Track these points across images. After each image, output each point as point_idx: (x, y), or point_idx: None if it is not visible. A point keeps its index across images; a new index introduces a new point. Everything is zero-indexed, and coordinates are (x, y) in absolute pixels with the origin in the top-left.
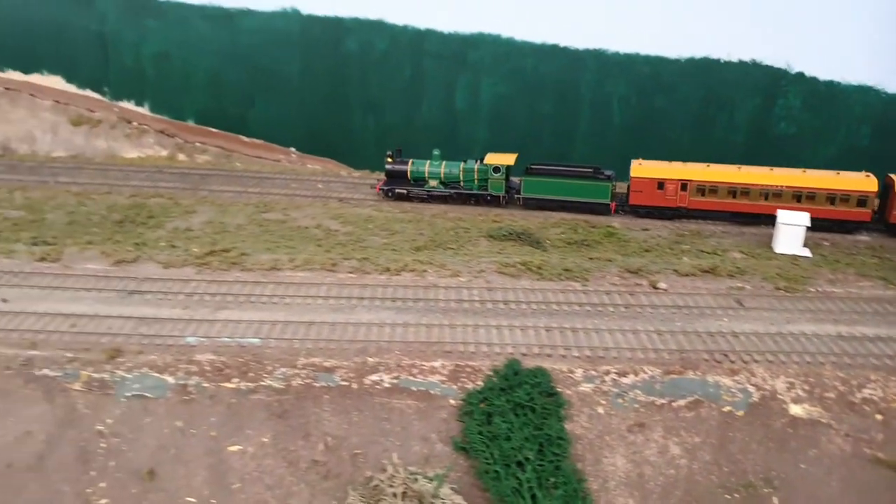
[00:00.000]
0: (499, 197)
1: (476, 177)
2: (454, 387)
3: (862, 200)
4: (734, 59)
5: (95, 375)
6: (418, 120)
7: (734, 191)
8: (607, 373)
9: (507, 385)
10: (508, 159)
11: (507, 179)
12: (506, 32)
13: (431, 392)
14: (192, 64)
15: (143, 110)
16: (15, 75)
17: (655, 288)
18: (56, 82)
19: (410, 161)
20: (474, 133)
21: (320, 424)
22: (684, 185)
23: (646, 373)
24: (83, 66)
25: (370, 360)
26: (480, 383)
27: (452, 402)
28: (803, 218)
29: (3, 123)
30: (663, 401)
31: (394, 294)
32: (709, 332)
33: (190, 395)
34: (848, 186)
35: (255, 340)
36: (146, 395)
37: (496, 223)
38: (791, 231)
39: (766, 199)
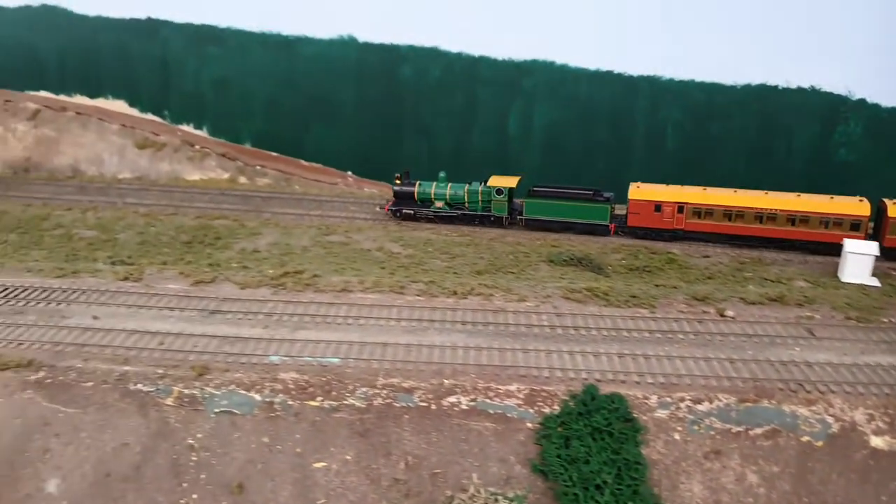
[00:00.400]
0: (503, 217)
1: (480, 198)
2: (531, 410)
3: (855, 224)
4: (792, 85)
5: (186, 391)
6: (470, 145)
7: (730, 214)
8: (682, 399)
9: (585, 410)
10: (511, 182)
11: (509, 201)
12: (560, 59)
13: (508, 415)
14: (250, 89)
15: (203, 133)
16: (82, 100)
17: (723, 316)
18: (120, 106)
19: (417, 183)
20: (526, 158)
21: (401, 443)
22: (681, 207)
23: (720, 400)
24: (145, 91)
25: (446, 381)
26: (557, 408)
27: (529, 425)
28: (871, 247)
29: (74, 146)
30: (739, 429)
31: (463, 317)
32: (781, 362)
33: (276, 412)
34: (841, 211)
35: (335, 360)
36: (234, 411)
37: (555, 248)
38: (859, 260)
39: (762, 222)
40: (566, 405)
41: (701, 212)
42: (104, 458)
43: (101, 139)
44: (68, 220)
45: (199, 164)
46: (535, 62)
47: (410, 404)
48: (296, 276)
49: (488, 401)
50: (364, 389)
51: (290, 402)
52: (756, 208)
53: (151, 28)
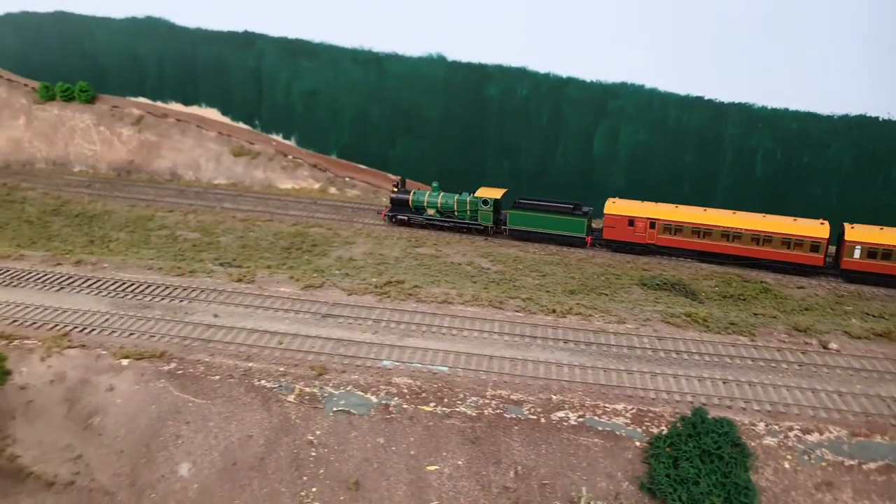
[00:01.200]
0: (488, 227)
1: (468, 208)
2: (638, 429)
3: (815, 246)
4: (894, 117)
5: (306, 390)
6: (553, 165)
7: (698, 231)
8: (790, 429)
9: (695, 432)
10: (496, 193)
11: (495, 212)
12: (649, 83)
13: (617, 433)
14: (339, 102)
15: (291, 143)
16: (178, 107)
17: (826, 348)
18: (213, 114)
19: (412, 192)
20: (610, 179)
21: (510, 453)
22: (653, 223)
23: (830, 432)
24: (238, 100)
25: (554, 397)
26: (664, 428)
27: (637, 443)
28: None
29: (174, 151)
30: (852, 462)
31: (564, 336)
32: (893, 398)
33: (391, 414)
34: (802, 232)
35: (444, 368)
36: (351, 411)
37: (647, 271)
38: None
39: (728, 240)
40: (674, 426)
41: (671, 228)
42: (231, 448)
43: (199, 145)
44: (171, 222)
45: (292, 174)
46: (623, 85)
47: (520, 416)
48: (398, 286)
49: (596, 418)
50: (474, 399)
51: (405, 406)
52: (722, 227)
53: (248, 41)
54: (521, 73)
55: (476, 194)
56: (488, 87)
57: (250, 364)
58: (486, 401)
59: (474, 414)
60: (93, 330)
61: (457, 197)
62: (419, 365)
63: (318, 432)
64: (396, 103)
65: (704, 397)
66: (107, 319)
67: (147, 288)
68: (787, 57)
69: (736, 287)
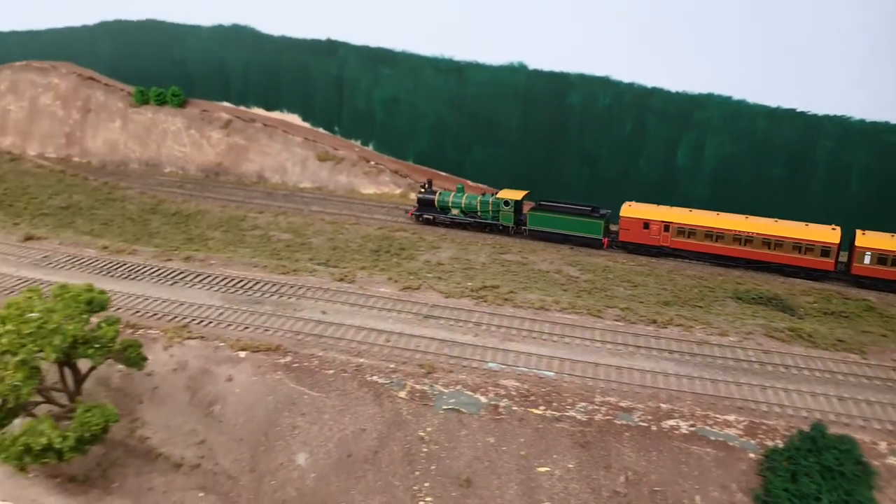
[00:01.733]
0: (508, 227)
1: (490, 208)
2: (752, 441)
3: (825, 251)
4: None
5: (417, 387)
6: (635, 174)
7: (711, 234)
8: None
9: (815, 447)
10: (518, 195)
11: (516, 212)
12: (738, 94)
13: (729, 443)
14: (418, 110)
15: (369, 149)
16: (260, 112)
17: None
18: (294, 119)
19: (438, 192)
20: (694, 190)
21: (621, 458)
22: (667, 226)
23: None
24: (319, 106)
25: (663, 405)
26: (780, 442)
27: (752, 455)
28: None
29: (261, 155)
30: None
31: (668, 346)
32: None
33: (500, 415)
34: (812, 237)
35: (550, 373)
36: (461, 409)
37: (740, 285)
38: None
39: (740, 243)
40: (792, 441)
41: (685, 231)
42: (345, 440)
43: (286, 150)
44: (263, 223)
45: (375, 179)
46: (710, 96)
47: (630, 423)
48: (493, 291)
49: (708, 428)
50: (583, 404)
51: (515, 408)
52: (734, 231)
53: (331, 49)
54: (604, 83)
55: (498, 195)
56: (570, 96)
57: (361, 360)
58: (596, 406)
59: (584, 419)
60: (209, 322)
61: (479, 198)
62: (525, 369)
63: (428, 429)
64: (475, 111)
65: (819, 413)
66: (221, 313)
67: (255, 284)
68: (887, 68)
69: (836, 304)
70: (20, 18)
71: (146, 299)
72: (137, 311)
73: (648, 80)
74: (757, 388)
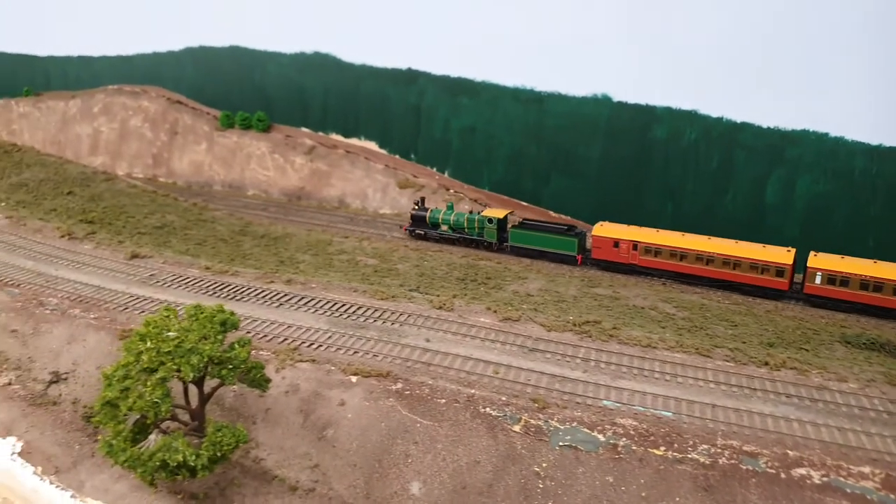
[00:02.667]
0: (492, 243)
1: (476, 226)
2: (892, 496)
3: (780, 271)
4: None
5: (532, 422)
6: (720, 210)
7: (675, 254)
8: None
9: None
10: (500, 213)
11: (499, 229)
12: (835, 131)
13: (868, 497)
14: (496, 139)
15: (444, 176)
16: (337, 138)
17: None
18: (371, 146)
19: (430, 209)
20: (783, 228)
21: None
22: (635, 245)
23: None
24: (396, 134)
25: (790, 452)
26: None
27: None
28: None
29: (343, 181)
30: None
31: (784, 389)
32: None
33: (619, 454)
34: (768, 258)
35: (668, 413)
36: (578, 447)
37: (846, 329)
38: None
39: (704, 263)
40: None
41: (652, 250)
42: (459, 471)
43: (367, 176)
44: (349, 247)
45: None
46: (804, 132)
47: (756, 468)
48: (595, 326)
49: (842, 479)
50: (705, 446)
51: (634, 448)
52: (697, 250)
53: (410, 78)
54: (692, 117)
55: (482, 214)
56: (655, 129)
57: (472, 391)
58: (718, 450)
59: (707, 462)
60: (318, 346)
61: (466, 216)
62: (641, 408)
63: (544, 464)
64: (555, 141)
65: None
66: (329, 336)
67: (358, 309)
68: None
69: None
70: (111, 44)
71: (254, 321)
72: (248, 333)
73: (738, 114)
74: (889, 439)
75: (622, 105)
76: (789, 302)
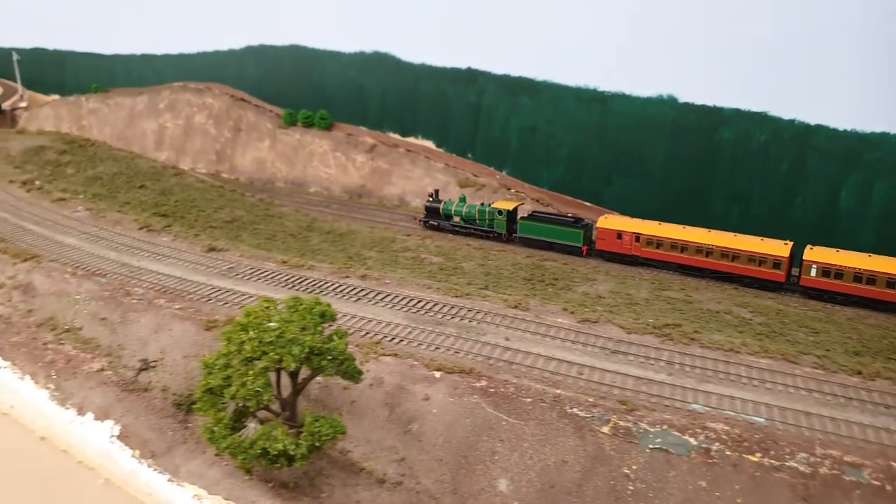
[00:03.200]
0: (502, 234)
1: (487, 217)
2: None
3: (777, 263)
4: None
5: (620, 423)
6: (790, 215)
7: (676, 245)
8: None
9: None
10: (510, 206)
11: (508, 221)
12: None
13: None
14: (556, 139)
15: (507, 176)
16: (395, 136)
17: None
18: (428, 145)
19: (443, 201)
20: (858, 234)
21: None
22: (637, 237)
23: None
24: (454, 133)
25: (895, 465)
26: None
27: None
28: None
29: (403, 179)
30: None
31: (882, 400)
32: None
33: (712, 459)
34: (766, 250)
35: (761, 419)
36: (669, 450)
37: None
38: None
39: (704, 255)
40: None
41: (654, 242)
42: (547, 470)
43: (428, 175)
44: (412, 245)
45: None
46: (884, 135)
47: (860, 480)
48: (676, 329)
49: None
50: (803, 455)
51: (728, 453)
52: (697, 243)
53: (470, 77)
54: (761, 118)
55: (493, 206)
56: (722, 131)
57: (558, 391)
58: (818, 459)
59: (807, 471)
60: (400, 340)
61: (478, 207)
62: (732, 413)
63: (633, 467)
64: (617, 142)
65: None
66: (409, 332)
67: (434, 306)
68: None
69: None
70: (173, 43)
71: (336, 314)
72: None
73: (812, 116)
74: None
75: (688, 106)
76: (788, 294)
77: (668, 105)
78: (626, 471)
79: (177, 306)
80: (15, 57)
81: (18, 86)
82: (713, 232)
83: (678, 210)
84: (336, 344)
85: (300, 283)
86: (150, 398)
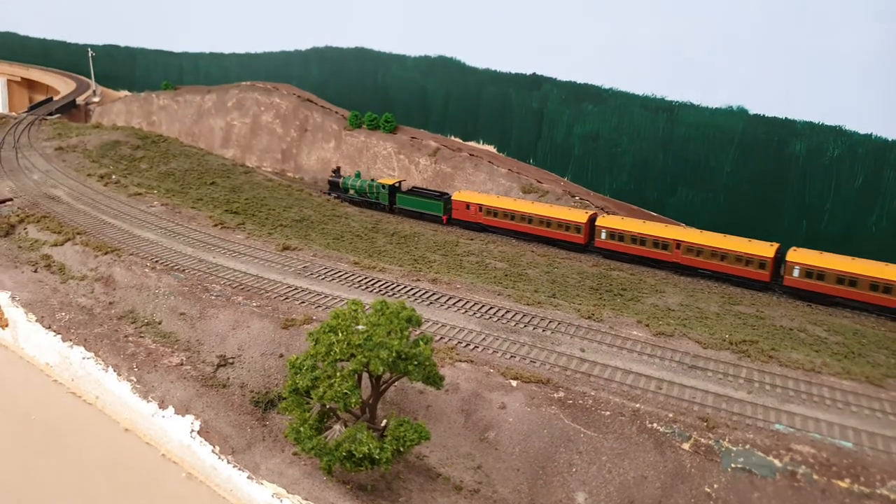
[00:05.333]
0: (385, 205)
1: (375, 191)
2: None
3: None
4: None
5: (702, 440)
6: (862, 231)
7: (508, 215)
8: None
9: None
10: (392, 181)
11: (390, 194)
12: None
13: None
14: (620, 147)
15: (570, 182)
16: (456, 140)
17: None
18: (489, 150)
19: (342, 177)
20: None
21: None
22: (480, 207)
23: None
24: (516, 139)
25: None
26: None
27: None
28: None
29: (466, 183)
30: None
31: None
32: None
33: (799, 482)
34: (569, 217)
35: (849, 444)
36: (753, 471)
37: None
38: None
39: (528, 222)
40: None
41: (492, 212)
42: (626, 484)
43: (491, 179)
44: (476, 249)
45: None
46: None
47: None
48: (753, 346)
49: None
50: (894, 483)
51: (815, 477)
52: (521, 212)
53: (534, 83)
54: (835, 132)
55: (378, 181)
56: (793, 144)
57: (637, 405)
58: None
59: None
60: (475, 347)
61: (368, 182)
62: (818, 435)
63: (715, 486)
64: (683, 152)
65: None
66: (483, 338)
67: (506, 313)
68: None
69: None
70: (241, 42)
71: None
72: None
73: (889, 132)
74: None
75: (758, 118)
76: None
77: (737, 116)
78: (708, 490)
79: (254, 304)
80: (90, 53)
81: (92, 81)
82: (546, 205)
83: (745, 223)
84: (422, 349)
85: (373, 284)
86: (229, 395)
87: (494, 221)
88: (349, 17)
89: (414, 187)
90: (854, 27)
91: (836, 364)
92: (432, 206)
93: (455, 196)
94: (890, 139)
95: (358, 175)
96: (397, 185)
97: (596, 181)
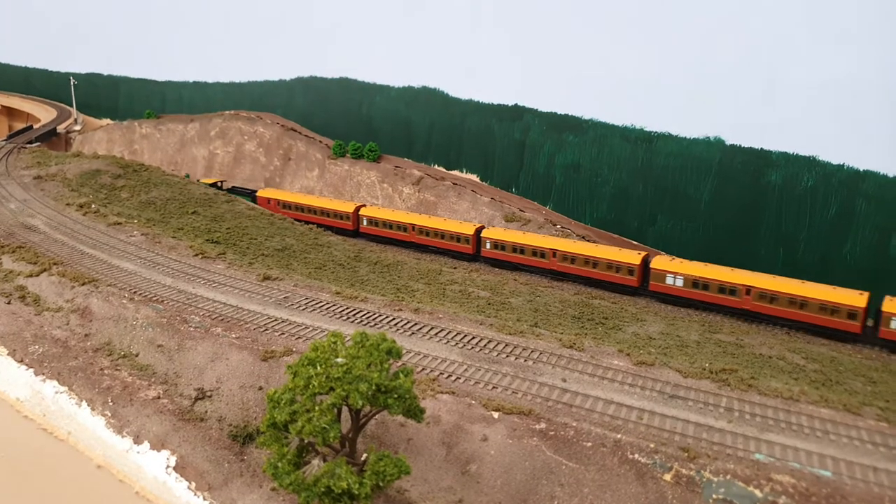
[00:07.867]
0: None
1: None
2: None
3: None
4: None
5: (683, 471)
6: (837, 260)
7: (299, 208)
8: None
9: None
10: (212, 180)
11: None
12: None
13: None
14: (601, 176)
15: (551, 211)
16: (440, 169)
17: None
18: (472, 179)
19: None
20: None
21: None
22: (278, 202)
23: None
24: (498, 168)
25: None
26: None
27: None
28: None
29: (449, 212)
30: None
31: None
32: None
33: None
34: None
35: (828, 473)
36: (734, 501)
37: None
38: None
39: (322, 215)
40: None
41: (282, 204)
42: None
43: (474, 208)
44: (459, 278)
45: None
46: None
47: None
48: (733, 375)
49: None
50: None
51: None
52: (309, 205)
53: (516, 114)
54: (810, 162)
55: (202, 180)
56: (769, 174)
57: (619, 435)
58: None
59: None
60: (457, 378)
61: (207, 181)
62: (797, 464)
63: None
64: (662, 182)
65: None
66: (465, 369)
67: (489, 343)
68: None
69: None
70: (224, 71)
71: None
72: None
73: (861, 162)
74: None
75: (735, 148)
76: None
77: (714, 147)
78: None
79: (234, 335)
80: (72, 81)
81: (73, 109)
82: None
83: (723, 251)
84: (403, 382)
85: (355, 315)
86: (207, 428)
87: (284, 212)
88: (334, 48)
89: (234, 187)
90: (827, 60)
91: (813, 392)
92: (246, 198)
93: (259, 193)
94: (862, 169)
95: (187, 176)
96: (219, 183)
97: (577, 210)
